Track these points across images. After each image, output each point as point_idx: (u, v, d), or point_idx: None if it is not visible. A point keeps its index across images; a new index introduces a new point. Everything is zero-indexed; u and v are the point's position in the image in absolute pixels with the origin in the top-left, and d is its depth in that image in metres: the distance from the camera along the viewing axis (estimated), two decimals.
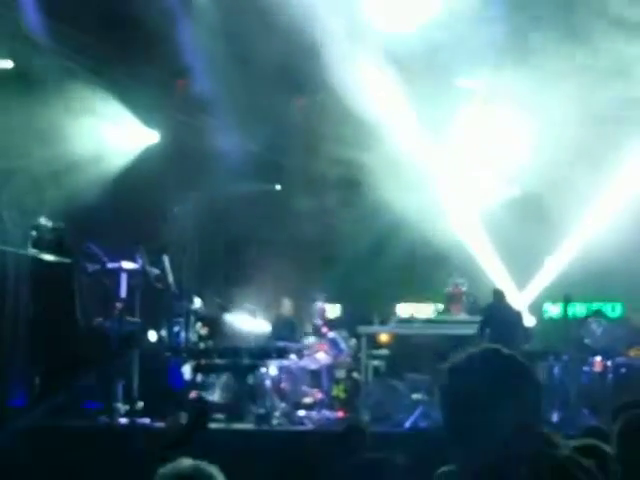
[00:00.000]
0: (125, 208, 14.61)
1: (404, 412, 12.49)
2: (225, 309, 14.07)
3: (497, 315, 12.92)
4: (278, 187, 17.84)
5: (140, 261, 13.49)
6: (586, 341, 13.63)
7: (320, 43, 13.42)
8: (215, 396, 12.95)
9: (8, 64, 13.96)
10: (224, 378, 13.10)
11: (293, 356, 13.59)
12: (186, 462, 3.21)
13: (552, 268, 15.76)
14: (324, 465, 8.96)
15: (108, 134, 15.08)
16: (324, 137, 14.72)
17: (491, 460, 2.46)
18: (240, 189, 16.30)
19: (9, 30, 13.41)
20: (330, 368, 13.59)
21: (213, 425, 12.17)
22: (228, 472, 3.45)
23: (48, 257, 13.41)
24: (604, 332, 13.66)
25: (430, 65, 13.89)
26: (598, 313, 14.32)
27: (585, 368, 13.13)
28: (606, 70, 12.86)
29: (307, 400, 13.28)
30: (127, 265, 13.50)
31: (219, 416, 12.63)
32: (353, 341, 13.96)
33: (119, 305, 13.57)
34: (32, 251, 13.22)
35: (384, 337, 14.37)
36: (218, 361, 13.30)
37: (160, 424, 12.25)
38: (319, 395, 13.36)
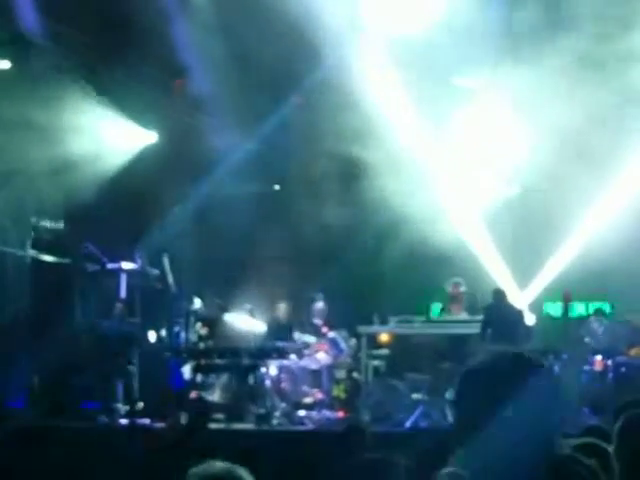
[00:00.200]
0: (124, 208, 14.61)
1: (404, 412, 12.48)
2: (225, 309, 14.05)
3: (498, 315, 12.91)
4: (277, 187, 17.83)
5: (139, 261, 13.49)
6: (586, 340, 13.63)
7: (319, 42, 13.41)
8: (215, 396, 12.93)
9: (6, 64, 13.95)
10: (224, 378, 13.08)
11: (293, 356, 13.57)
12: (218, 464, 3.18)
13: (552, 267, 15.75)
14: (324, 465, 8.94)
15: (106, 134, 15.07)
16: (323, 136, 14.71)
17: (500, 461, 2.45)
18: (239, 189, 16.28)
19: (7, 30, 13.40)
20: (330, 368, 13.57)
21: (213, 425, 12.17)
22: None
23: (47, 258, 13.40)
24: (605, 331, 13.66)
25: (430, 64, 13.88)
26: (599, 312, 14.31)
27: (585, 367, 13.12)
28: (606, 68, 12.86)
29: (307, 400, 13.27)
30: (127, 265, 13.51)
31: (219, 416, 12.61)
32: (353, 341, 13.95)
33: (119, 305, 13.58)
34: (31, 252, 13.22)
35: (384, 337, 14.36)
36: (218, 361, 13.28)
37: (160, 424, 12.25)
38: (319, 395, 13.34)
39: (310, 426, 12.61)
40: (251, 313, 14.10)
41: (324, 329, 14.06)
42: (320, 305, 14.42)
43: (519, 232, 14.44)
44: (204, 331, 13.76)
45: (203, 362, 13.28)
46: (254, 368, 13.00)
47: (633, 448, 4.37)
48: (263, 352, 13.30)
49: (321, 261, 16.15)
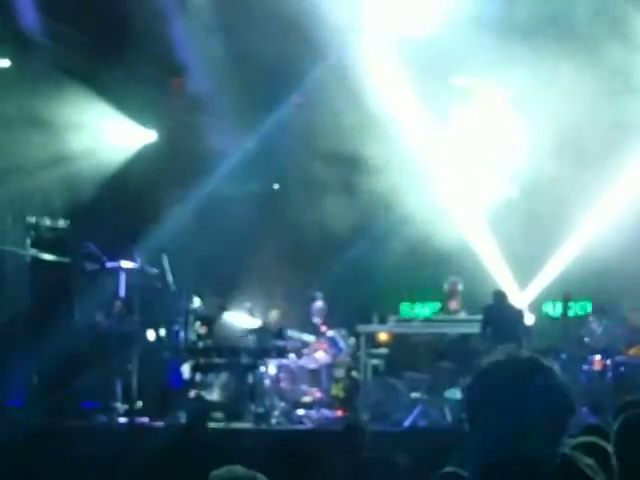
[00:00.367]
0: (124, 207, 14.61)
1: (403, 411, 12.48)
2: (224, 308, 14.05)
3: (497, 315, 12.91)
4: (276, 186, 17.81)
5: (139, 260, 13.48)
6: (586, 340, 13.63)
7: (319, 41, 13.41)
8: (214, 395, 12.93)
9: (5, 63, 13.95)
10: (223, 377, 13.07)
11: (292, 355, 13.58)
12: (240, 469, 3.18)
13: (552, 267, 15.74)
14: (323, 464, 8.96)
15: (106, 133, 15.07)
16: (323, 136, 14.69)
17: (502, 460, 2.45)
18: (238, 188, 16.27)
19: (7, 28, 13.41)
20: (329, 367, 13.57)
21: (212, 424, 12.18)
22: None
23: (47, 256, 13.39)
24: (604, 331, 13.66)
25: (430, 64, 13.88)
26: (598, 312, 14.29)
27: (584, 367, 13.12)
28: (606, 68, 12.86)
29: (306, 399, 13.27)
30: (126, 264, 13.50)
31: (218, 415, 12.61)
32: (352, 340, 13.94)
33: (118, 304, 13.58)
34: (31, 251, 13.21)
35: (383, 336, 14.36)
36: (217, 360, 13.28)
37: (159, 423, 12.25)
38: (318, 394, 13.34)
39: (309, 425, 12.62)
40: (250, 312, 14.09)
41: (323, 328, 14.06)
42: (319, 304, 14.41)
43: (519, 232, 14.42)
44: (203, 330, 13.76)
45: (202, 361, 13.28)
46: (253, 367, 13.00)
47: (632, 447, 4.38)
48: (262, 351, 13.30)
49: (321, 260, 16.14)
